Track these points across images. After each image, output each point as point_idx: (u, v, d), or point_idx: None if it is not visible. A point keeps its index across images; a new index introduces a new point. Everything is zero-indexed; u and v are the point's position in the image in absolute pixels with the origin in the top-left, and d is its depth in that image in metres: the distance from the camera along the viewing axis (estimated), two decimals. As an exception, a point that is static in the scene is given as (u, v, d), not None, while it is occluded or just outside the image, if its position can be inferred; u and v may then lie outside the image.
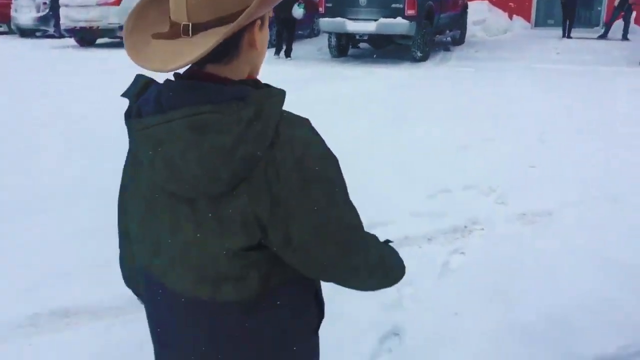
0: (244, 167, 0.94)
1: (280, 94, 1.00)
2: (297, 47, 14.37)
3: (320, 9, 12.11)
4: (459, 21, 14.59)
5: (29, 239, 3.80)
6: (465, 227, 4.02)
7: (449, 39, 14.46)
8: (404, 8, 11.21)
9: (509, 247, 3.75)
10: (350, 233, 1.07)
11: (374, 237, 1.19)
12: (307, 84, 9.50)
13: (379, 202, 4.42)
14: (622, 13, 15.34)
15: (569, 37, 15.79)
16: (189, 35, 0.94)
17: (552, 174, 5.10)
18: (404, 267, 1.26)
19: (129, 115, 1.03)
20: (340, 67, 11.48)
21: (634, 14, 15.53)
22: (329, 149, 1.04)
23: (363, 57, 12.97)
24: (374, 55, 13.03)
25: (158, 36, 0.99)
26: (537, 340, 2.76)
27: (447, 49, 13.83)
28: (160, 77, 1.04)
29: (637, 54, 11.78)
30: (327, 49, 13.05)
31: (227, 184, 0.94)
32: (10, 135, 6.27)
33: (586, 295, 3.15)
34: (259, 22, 1.02)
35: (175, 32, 0.96)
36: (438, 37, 13.41)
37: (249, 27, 0.99)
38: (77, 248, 3.66)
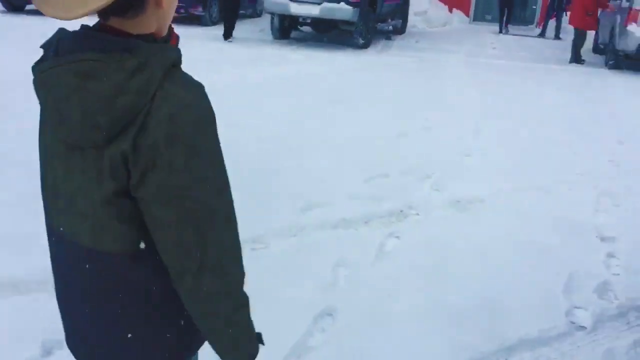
0: (124, 117, 0.96)
1: (171, 50, 1.03)
2: (239, 27, 14.13)
3: (265, -12, 11.93)
4: (401, 11, 14.73)
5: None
6: (401, 211, 4.08)
7: (390, 27, 14.57)
8: (348, -7, 11.20)
9: (442, 231, 3.83)
10: (195, 208, 1.01)
11: (234, 249, 1.10)
12: (247, 65, 9.37)
13: (318, 184, 4.44)
14: (555, 13, 15.92)
15: (505, 33, 16.25)
16: None
17: (485, 163, 5.25)
18: (245, 296, 1.14)
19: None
20: (282, 50, 11.39)
21: (567, 14, 16.16)
22: (209, 117, 1.03)
23: (305, 41, 12.90)
24: (322, 40, 13.00)
25: None
26: (466, 322, 2.84)
27: (388, 38, 13.94)
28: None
29: (567, 53, 12.24)
30: (269, 30, 12.90)
31: (107, 132, 0.97)
32: None
33: (513, 279, 3.27)
34: None
35: None
36: (380, 25, 13.49)
37: None
38: (2, 218, 3.48)
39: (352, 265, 3.31)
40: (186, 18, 13.79)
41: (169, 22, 1.11)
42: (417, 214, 4.08)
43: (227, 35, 12.01)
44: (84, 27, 1.04)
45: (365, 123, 6.25)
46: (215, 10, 14.17)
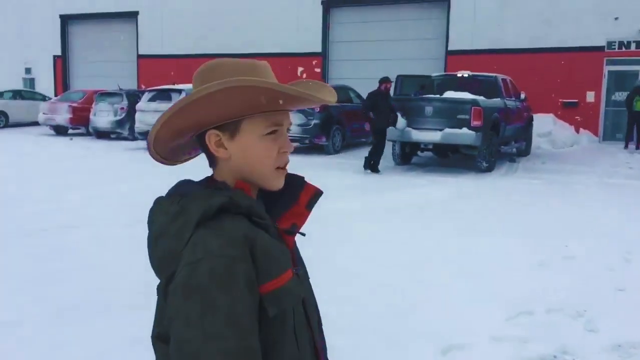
0: (165, 259, 1.03)
1: (218, 196, 1.04)
2: (358, 154, 14.49)
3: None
4: (525, 133, 14.45)
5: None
6: (555, 357, 3.62)
7: (514, 150, 14.29)
8: (469, 119, 11.19)
9: (606, 383, 3.33)
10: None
11: None
12: (372, 191, 9.43)
13: (454, 321, 4.11)
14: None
15: (635, 149, 15.35)
16: None
17: (644, 298, 4.66)
18: None
19: None
20: (404, 176, 11.41)
21: None
22: (230, 268, 0.99)
23: (427, 166, 12.89)
24: (443, 164, 12.95)
25: None
26: None
27: (512, 160, 13.61)
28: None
29: None
30: (391, 157, 13.06)
31: (159, 273, 1.06)
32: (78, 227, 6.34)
33: None
34: (214, 132, 1.10)
35: None
36: (504, 148, 13.26)
37: (206, 138, 1.11)
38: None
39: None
40: (310, 148, 14.40)
41: (258, 173, 1.13)
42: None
43: (374, 167, 11.55)
44: (204, 178, 1.18)
45: (499, 252, 5.88)
46: (338, 140, 14.69)
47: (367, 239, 6.32)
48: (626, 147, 15.60)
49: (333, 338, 3.84)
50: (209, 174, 1.19)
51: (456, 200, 8.83)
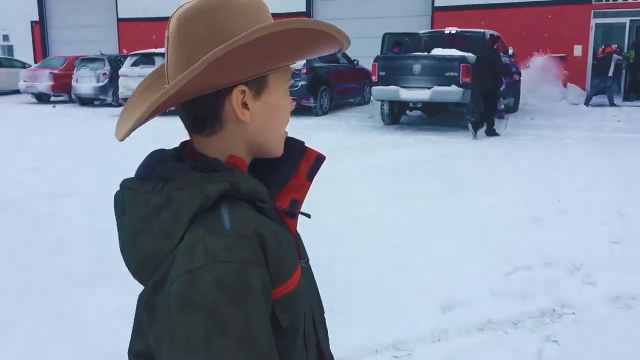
0: (148, 264, 0.81)
1: (218, 181, 0.81)
2: (347, 115, 14.39)
3: (373, 77, 12.11)
4: (513, 89, 14.39)
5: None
6: (554, 310, 3.64)
7: (502, 106, 14.24)
8: (458, 76, 11.09)
9: (606, 334, 3.35)
10: None
11: None
12: (361, 151, 9.37)
13: (454, 279, 4.12)
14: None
15: (614, 105, 15.23)
16: None
17: (638, 250, 4.69)
18: None
19: None
20: (394, 135, 11.35)
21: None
22: (242, 277, 0.76)
23: (415, 125, 12.83)
24: (432, 123, 12.89)
25: None
26: None
27: (501, 117, 13.58)
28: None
29: None
30: (379, 117, 12.97)
31: (137, 276, 0.85)
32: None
33: None
34: (241, 87, 0.86)
35: None
36: (492, 105, 13.19)
37: (226, 93, 0.86)
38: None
39: (509, 376, 2.93)
40: (298, 109, 14.25)
41: (270, 140, 0.93)
42: (573, 313, 3.62)
43: (490, 130, 10.97)
44: (175, 148, 0.93)
45: (491, 209, 5.88)
46: (325, 101, 14.54)
47: (358, 199, 6.28)
48: (586, 103, 15.19)
49: (332, 299, 3.83)
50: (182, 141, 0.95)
51: (446, 158, 8.80)
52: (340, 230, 5.19)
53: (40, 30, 25.42)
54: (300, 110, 13.98)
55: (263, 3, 0.92)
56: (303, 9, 20.13)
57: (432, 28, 17.38)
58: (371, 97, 14.54)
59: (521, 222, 5.45)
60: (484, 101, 10.81)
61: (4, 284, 4.12)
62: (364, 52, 16.57)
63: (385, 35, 15.12)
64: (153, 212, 0.81)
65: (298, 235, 1.00)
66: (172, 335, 0.75)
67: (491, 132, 11.04)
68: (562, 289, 3.93)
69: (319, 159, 0.99)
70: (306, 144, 1.00)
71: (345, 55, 16.06)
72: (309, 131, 11.07)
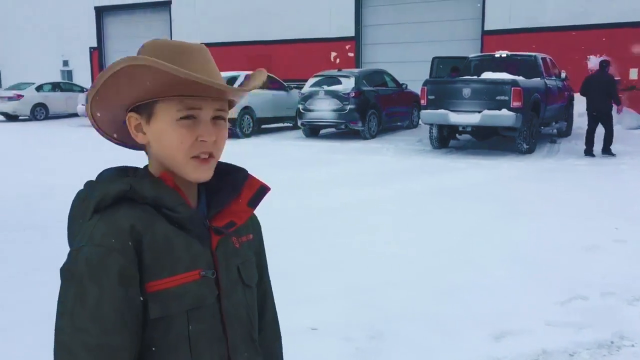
0: (69, 238, 1.03)
1: (118, 184, 1.00)
2: (396, 139, 14.37)
3: (422, 101, 12.08)
4: (566, 113, 14.11)
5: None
6: (612, 342, 3.53)
7: (555, 130, 13.97)
8: (509, 100, 10.96)
9: (669, 369, 3.23)
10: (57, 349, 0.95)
11: None
12: (409, 175, 9.33)
13: (507, 307, 4.04)
14: None
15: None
16: None
17: (702, 281, 4.50)
18: None
19: None
20: (443, 159, 11.27)
21: None
22: (105, 260, 0.95)
23: (465, 149, 12.70)
24: (482, 147, 12.74)
25: None
26: None
27: (553, 141, 13.32)
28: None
29: None
30: (428, 140, 12.90)
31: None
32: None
33: None
34: (133, 115, 1.05)
35: None
36: (544, 129, 12.97)
37: (126, 121, 1.07)
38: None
39: (565, 409, 2.84)
40: (346, 133, 14.33)
41: (172, 164, 1.05)
42: (633, 346, 3.49)
43: (606, 149, 11.23)
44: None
45: (544, 235, 5.75)
46: (374, 125, 14.57)
47: (407, 223, 6.25)
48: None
49: (381, 323, 3.81)
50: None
51: (497, 182, 8.68)
52: (390, 255, 5.17)
53: (98, 56, 26.45)
54: (348, 134, 14.06)
55: (198, 47, 1.05)
56: (352, 34, 20.32)
57: (481, 52, 17.27)
58: (420, 120, 14.52)
59: (576, 249, 5.32)
60: (602, 123, 11.21)
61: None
62: (413, 76, 16.61)
63: (434, 59, 15.12)
64: (79, 202, 1.02)
65: (229, 250, 1.10)
66: (58, 297, 0.96)
67: (607, 152, 11.18)
68: (620, 320, 3.80)
69: (263, 188, 1.12)
70: (250, 173, 1.13)
71: (394, 79, 16.10)
72: (357, 155, 11.11)
